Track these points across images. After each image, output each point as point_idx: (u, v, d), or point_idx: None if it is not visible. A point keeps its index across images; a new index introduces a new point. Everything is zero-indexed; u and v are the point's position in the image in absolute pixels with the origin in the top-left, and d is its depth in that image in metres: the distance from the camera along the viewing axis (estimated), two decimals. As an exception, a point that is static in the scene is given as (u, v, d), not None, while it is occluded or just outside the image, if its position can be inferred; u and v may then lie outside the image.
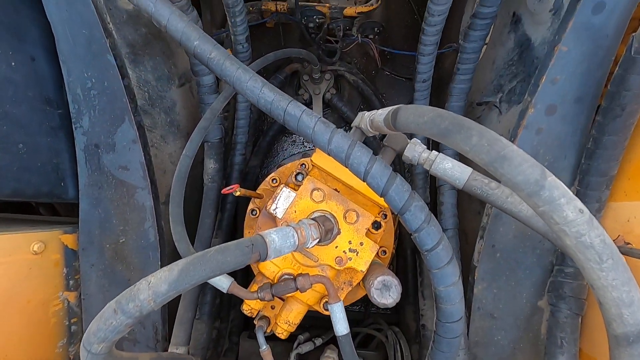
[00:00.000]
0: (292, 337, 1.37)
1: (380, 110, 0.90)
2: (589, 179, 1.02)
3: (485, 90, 1.43)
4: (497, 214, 1.17)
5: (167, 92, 1.51)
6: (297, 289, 0.89)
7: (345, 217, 0.97)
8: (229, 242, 0.72)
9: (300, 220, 0.86)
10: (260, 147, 2.04)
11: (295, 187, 1.03)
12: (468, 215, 1.50)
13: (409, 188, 0.79)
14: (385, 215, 1.19)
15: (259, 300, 0.99)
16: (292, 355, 1.19)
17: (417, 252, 1.73)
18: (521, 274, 1.19)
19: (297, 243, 0.79)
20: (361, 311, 1.96)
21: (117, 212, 1.21)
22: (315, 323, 1.63)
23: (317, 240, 0.86)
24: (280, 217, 0.97)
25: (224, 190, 0.98)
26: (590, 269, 0.58)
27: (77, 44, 0.99)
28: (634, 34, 0.84)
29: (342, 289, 1.05)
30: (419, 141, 0.98)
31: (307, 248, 0.91)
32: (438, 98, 2.15)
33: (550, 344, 1.08)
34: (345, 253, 0.96)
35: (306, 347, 1.23)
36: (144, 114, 1.31)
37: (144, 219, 1.21)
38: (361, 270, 0.97)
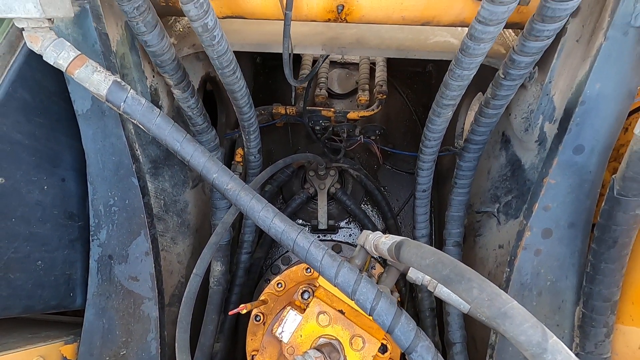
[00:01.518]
0: None
1: (384, 238, 0.95)
2: (594, 304, 1.03)
3: (483, 198, 1.51)
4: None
5: (181, 196, 1.59)
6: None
7: (351, 344, 0.97)
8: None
9: (306, 353, 0.86)
10: (266, 240, 2.07)
11: (302, 304, 1.04)
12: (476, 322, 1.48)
13: (414, 326, 0.81)
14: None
15: None
16: None
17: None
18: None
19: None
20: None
21: (121, 323, 1.21)
22: None
23: (323, 373, 0.85)
24: (286, 341, 0.97)
25: (231, 313, 0.99)
26: None
27: (106, 169, 1.09)
28: (613, 176, 0.92)
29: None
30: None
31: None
32: (439, 192, 2.25)
33: None
34: (350, 378, 0.94)
35: None
36: (158, 220, 1.37)
37: (147, 330, 1.20)
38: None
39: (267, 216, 0.93)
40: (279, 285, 1.39)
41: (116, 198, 1.14)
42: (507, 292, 1.08)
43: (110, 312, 1.21)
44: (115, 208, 1.15)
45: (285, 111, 2.09)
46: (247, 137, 1.43)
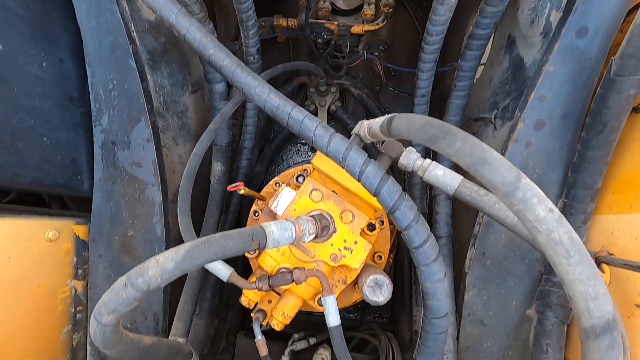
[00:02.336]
0: (287, 336, 1.41)
1: (377, 119, 0.97)
2: (575, 192, 1.08)
3: (482, 107, 1.50)
4: (488, 223, 1.22)
5: (180, 98, 1.60)
6: (293, 280, 0.94)
7: (341, 217, 1.03)
8: (231, 230, 0.79)
9: (298, 216, 0.92)
10: (266, 155, 2.12)
11: (296, 187, 1.10)
12: (465, 226, 1.55)
13: (399, 189, 0.85)
14: (382, 222, 1.25)
15: (257, 291, 1.05)
16: (287, 351, 1.23)
17: (414, 264, 1.77)
18: (511, 282, 1.23)
19: (294, 236, 0.85)
20: (357, 319, 1.99)
21: (127, 206, 1.28)
22: (310, 327, 1.67)
23: (314, 235, 0.92)
24: (280, 214, 1.03)
25: (229, 187, 1.05)
26: (560, 264, 0.63)
27: (102, 49, 1.08)
28: (613, 57, 0.91)
29: (336, 287, 1.10)
30: (414, 150, 1.04)
31: (304, 243, 0.97)
32: (440, 114, 2.24)
33: (536, 350, 1.11)
34: (340, 251, 1.02)
35: (300, 345, 1.27)
36: (158, 116, 1.40)
37: (152, 213, 1.28)
38: (354, 268, 1.02)
39: (263, 91, 0.95)
40: (277, 185, 1.45)
41: (115, 82, 1.15)
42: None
43: (117, 196, 1.28)
44: (114, 93, 1.17)
45: (287, 23, 2.02)
46: (245, 33, 1.40)
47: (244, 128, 1.72)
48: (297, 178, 1.12)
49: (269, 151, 2.11)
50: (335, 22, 2.01)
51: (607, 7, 0.92)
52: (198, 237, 1.50)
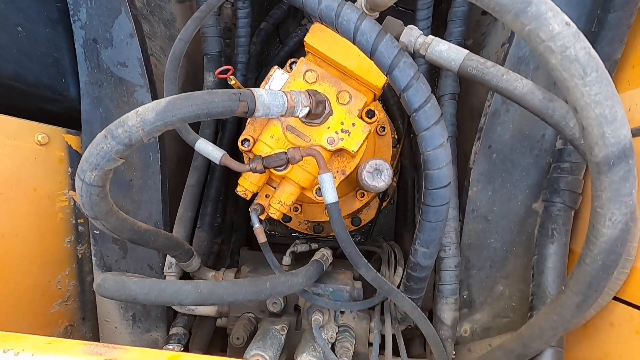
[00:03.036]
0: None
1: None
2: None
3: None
4: (495, 112, 1.15)
5: (166, 4, 1.50)
6: (288, 161, 0.90)
7: (337, 98, 0.97)
8: (217, 89, 0.73)
9: (292, 90, 0.86)
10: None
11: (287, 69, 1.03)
12: (469, 136, 1.49)
13: (398, 45, 0.78)
14: (384, 128, 1.20)
15: (252, 182, 1.02)
16: (288, 252, 1.23)
17: (417, 183, 1.73)
18: (517, 175, 1.18)
19: (286, 105, 0.80)
20: (362, 241, 2.00)
21: (117, 112, 1.23)
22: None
23: (307, 108, 0.86)
24: (285, 93, 0.97)
25: (217, 71, 0.98)
26: (575, 86, 0.57)
27: None
28: None
29: (335, 178, 1.06)
30: (416, 27, 0.96)
31: (299, 118, 0.92)
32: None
33: (541, 235, 1.09)
34: (337, 134, 0.97)
35: (302, 247, 1.27)
36: (142, 18, 1.31)
37: (143, 119, 1.23)
38: (352, 151, 0.98)
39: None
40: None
41: (89, -32, 1.05)
42: (504, 65, 1.05)
43: (106, 101, 1.22)
44: (90, -20, 1.08)
45: None
46: None
47: (236, 40, 1.62)
48: (290, 65, 1.05)
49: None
50: None
51: None
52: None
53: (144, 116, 0.65)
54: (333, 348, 1.03)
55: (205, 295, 0.79)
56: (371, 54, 0.79)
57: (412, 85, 0.77)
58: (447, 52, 0.89)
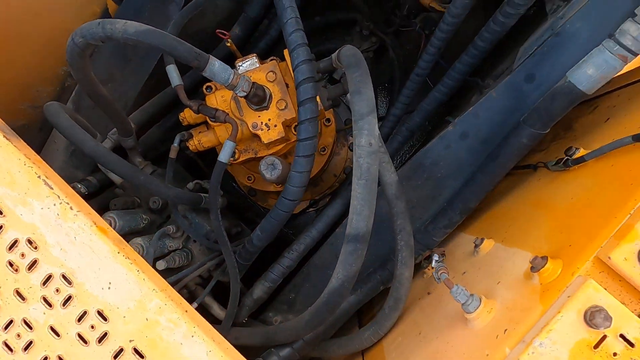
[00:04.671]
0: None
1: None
2: (453, 200, 1.27)
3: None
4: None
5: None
6: (214, 116, 1.21)
7: (277, 102, 1.28)
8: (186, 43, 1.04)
9: (243, 75, 1.16)
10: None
11: (264, 62, 1.33)
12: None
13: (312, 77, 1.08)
14: (329, 120, 1.49)
15: (192, 115, 1.33)
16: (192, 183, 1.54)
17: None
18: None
19: (229, 79, 1.09)
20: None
21: (148, 15, 1.54)
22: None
23: (245, 94, 1.16)
24: (238, 72, 1.27)
25: (217, 30, 1.29)
26: (353, 180, 0.86)
27: None
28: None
29: (247, 151, 1.37)
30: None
31: (240, 97, 1.21)
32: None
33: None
34: (261, 124, 1.28)
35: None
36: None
37: None
38: (263, 142, 1.28)
39: None
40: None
41: None
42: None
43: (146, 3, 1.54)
44: None
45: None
46: None
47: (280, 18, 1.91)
48: (270, 59, 1.35)
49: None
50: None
51: (557, 67, 1.05)
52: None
53: (127, 28, 0.96)
54: (168, 254, 1.35)
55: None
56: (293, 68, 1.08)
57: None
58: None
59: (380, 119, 2.35)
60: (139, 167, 1.60)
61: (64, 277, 0.80)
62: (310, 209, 2.21)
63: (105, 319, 0.78)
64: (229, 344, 0.79)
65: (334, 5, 2.31)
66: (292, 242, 1.64)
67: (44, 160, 1.59)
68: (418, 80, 1.59)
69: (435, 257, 1.06)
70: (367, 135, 0.84)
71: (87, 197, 1.55)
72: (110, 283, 0.79)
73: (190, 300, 1.46)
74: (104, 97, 1.24)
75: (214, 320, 1.49)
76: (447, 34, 1.37)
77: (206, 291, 1.43)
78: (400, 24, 2.16)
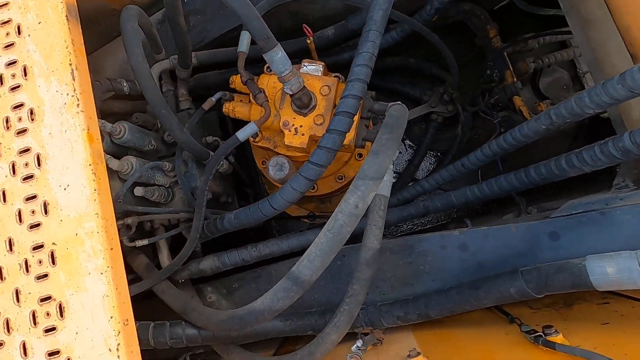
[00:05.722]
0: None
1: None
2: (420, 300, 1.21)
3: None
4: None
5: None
6: (255, 96, 1.23)
7: (316, 116, 1.27)
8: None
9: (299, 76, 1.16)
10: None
11: (327, 74, 1.33)
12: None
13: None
14: (361, 155, 1.47)
15: (240, 82, 1.35)
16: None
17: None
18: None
19: (284, 73, 1.10)
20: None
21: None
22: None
23: (291, 93, 1.17)
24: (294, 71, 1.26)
25: (304, 25, 1.30)
26: (325, 227, 0.84)
27: None
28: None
29: (268, 140, 1.38)
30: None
31: (287, 93, 1.21)
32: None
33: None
34: (292, 126, 1.28)
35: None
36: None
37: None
38: (283, 143, 1.28)
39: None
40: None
41: None
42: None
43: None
44: None
45: (489, 34, 2.06)
46: None
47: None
48: (334, 75, 1.35)
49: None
50: (512, 76, 2.01)
51: (584, 243, 0.97)
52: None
53: None
54: (152, 186, 1.39)
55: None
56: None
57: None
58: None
59: (412, 179, 2.30)
60: (180, 99, 1.66)
61: (38, 157, 0.84)
62: (306, 220, 2.19)
63: (46, 212, 0.82)
64: (129, 302, 0.80)
65: (434, 56, 2.27)
66: (269, 238, 1.64)
67: (103, 51, 1.69)
68: (462, 171, 1.52)
69: (359, 343, 1.01)
70: (358, 198, 0.82)
71: (128, 98, 1.63)
72: (68, 186, 0.82)
73: (148, 236, 1.51)
74: (180, 26, 1.30)
75: (156, 265, 1.52)
76: (511, 146, 1.30)
77: (164, 235, 1.46)
78: (482, 109, 2.09)
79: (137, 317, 1.32)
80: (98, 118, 1.17)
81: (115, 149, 1.32)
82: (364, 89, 1.08)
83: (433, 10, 1.65)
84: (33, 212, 0.81)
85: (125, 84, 1.59)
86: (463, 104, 2.18)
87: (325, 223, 2.07)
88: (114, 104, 1.63)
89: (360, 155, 1.64)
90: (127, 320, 0.77)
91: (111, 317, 0.75)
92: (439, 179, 1.60)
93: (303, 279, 0.83)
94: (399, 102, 1.07)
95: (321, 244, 0.82)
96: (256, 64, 1.59)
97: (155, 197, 1.37)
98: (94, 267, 0.78)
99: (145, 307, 1.46)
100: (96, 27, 1.58)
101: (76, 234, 0.79)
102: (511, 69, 2.04)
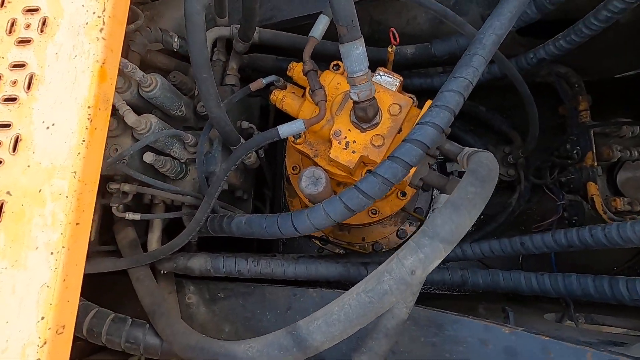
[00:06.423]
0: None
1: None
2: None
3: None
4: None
5: None
6: (312, 91, 1.02)
7: (375, 135, 1.05)
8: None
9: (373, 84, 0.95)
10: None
11: (401, 92, 1.12)
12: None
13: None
14: (404, 194, 1.26)
15: (300, 72, 1.16)
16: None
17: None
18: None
19: (357, 73, 0.89)
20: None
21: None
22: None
23: (356, 100, 0.95)
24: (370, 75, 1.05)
25: (392, 29, 1.10)
26: (360, 283, 0.61)
27: None
28: None
29: (310, 145, 1.16)
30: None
31: (351, 98, 1.00)
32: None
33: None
34: (343, 138, 1.06)
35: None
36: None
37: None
38: (329, 154, 1.07)
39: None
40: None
41: None
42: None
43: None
44: None
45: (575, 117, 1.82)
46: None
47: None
48: (408, 95, 1.13)
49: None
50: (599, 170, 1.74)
51: None
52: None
53: None
54: (166, 155, 1.20)
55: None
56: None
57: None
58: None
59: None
60: (228, 72, 1.48)
61: (30, 78, 0.65)
62: (317, 242, 1.96)
63: (15, 149, 0.62)
64: (76, 302, 0.58)
65: (503, 110, 2.04)
66: (272, 248, 1.41)
67: (166, 1, 1.53)
68: (519, 251, 1.26)
69: None
70: (419, 262, 0.59)
71: (175, 55, 1.47)
72: (53, 125, 0.62)
73: (143, 210, 1.31)
74: (250, -1, 1.12)
75: (143, 244, 1.31)
76: (596, 245, 1.04)
77: (160, 216, 1.26)
78: (548, 185, 1.83)
79: (99, 293, 1.09)
80: (133, 63, 1.01)
81: (139, 102, 1.14)
82: (449, 121, 0.85)
83: (535, 60, 1.42)
84: (5, 135, 0.62)
85: (176, 39, 1.43)
86: (526, 172, 1.91)
87: (335, 253, 1.84)
88: (158, 57, 1.46)
89: (404, 194, 1.41)
90: (63, 327, 0.55)
91: (42, 318, 0.54)
92: (486, 250, 1.33)
93: (310, 344, 0.60)
94: (488, 150, 0.84)
95: (350, 307, 0.58)
96: (318, 61, 1.40)
97: (165, 169, 1.18)
98: (45, 242, 0.57)
99: (116, 281, 1.25)
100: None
101: (40, 190, 0.59)
102: (594, 150, 1.78)
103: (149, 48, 1.38)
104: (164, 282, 1.31)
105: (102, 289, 1.19)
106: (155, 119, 1.09)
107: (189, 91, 1.36)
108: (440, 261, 0.60)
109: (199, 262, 1.23)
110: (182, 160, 1.24)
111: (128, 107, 1.00)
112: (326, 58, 1.25)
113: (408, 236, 1.83)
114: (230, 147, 1.20)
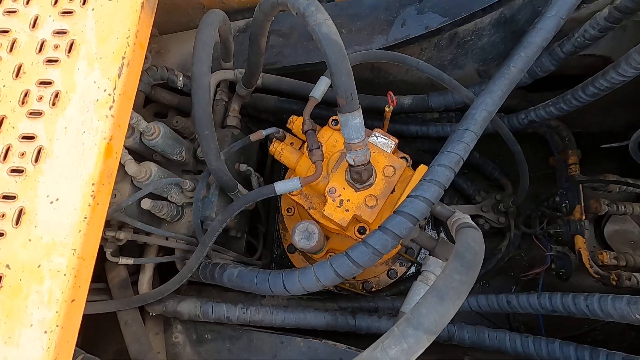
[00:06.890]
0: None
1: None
2: None
3: None
4: None
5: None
6: (310, 150, 1.06)
7: (368, 195, 1.08)
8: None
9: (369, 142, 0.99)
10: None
11: (396, 152, 1.16)
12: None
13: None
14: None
15: (300, 127, 1.19)
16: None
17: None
18: None
19: (353, 141, 0.93)
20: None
21: None
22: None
23: (352, 164, 0.99)
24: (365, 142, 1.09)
25: (390, 93, 1.15)
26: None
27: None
28: None
29: (306, 198, 1.19)
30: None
31: (347, 159, 1.04)
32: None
33: None
34: (338, 196, 1.09)
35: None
36: None
37: None
38: (322, 212, 1.09)
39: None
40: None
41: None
42: None
43: None
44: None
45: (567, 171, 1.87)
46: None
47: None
48: (401, 156, 1.16)
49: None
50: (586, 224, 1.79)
51: None
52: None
53: (322, 25, 0.84)
54: (164, 200, 1.22)
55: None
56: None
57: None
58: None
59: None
60: (230, 114, 1.52)
61: (39, 151, 0.67)
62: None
63: (17, 222, 0.64)
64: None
65: (495, 156, 2.09)
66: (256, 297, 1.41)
67: (176, 37, 1.57)
68: (505, 309, 1.28)
69: None
70: (402, 352, 0.60)
71: (180, 92, 1.51)
72: (57, 200, 0.64)
73: (137, 250, 1.32)
74: (259, 47, 1.17)
75: (134, 282, 1.32)
76: (590, 314, 1.05)
77: (153, 260, 1.26)
78: (537, 235, 1.86)
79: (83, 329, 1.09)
80: (138, 101, 1.01)
81: (141, 148, 1.17)
82: (439, 195, 0.89)
83: (527, 121, 1.48)
84: (3, 215, 0.64)
85: (181, 78, 1.47)
86: (517, 220, 1.95)
87: (324, 290, 1.84)
88: (162, 92, 1.51)
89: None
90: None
91: (29, 401, 0.54)
92: (474, 305, 1.36)
93: None
94: (476, 226, 0.87)
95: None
96: (321, 104, 1.44)
97: (162, 213, 1.19)
98: (39, 320, 0.58)
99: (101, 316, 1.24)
100: (179, 15, 1.48)
101: (39, 266, 0.61)
102: (582, 204, 1.82)
103: (154, 84, 1.42)
104: (151, 323, 1.31)
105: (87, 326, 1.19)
106: (155, 167, 1.11)
107: (190, 134, 1.39)
108: (423, 350, 0.62)
109: (188, 307, 1.24)
110: (178, 204, 1.26)
111: (130, 157, 1.02)
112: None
113: (398, 276, 1.85)
114: (226, 192, 1.23)
